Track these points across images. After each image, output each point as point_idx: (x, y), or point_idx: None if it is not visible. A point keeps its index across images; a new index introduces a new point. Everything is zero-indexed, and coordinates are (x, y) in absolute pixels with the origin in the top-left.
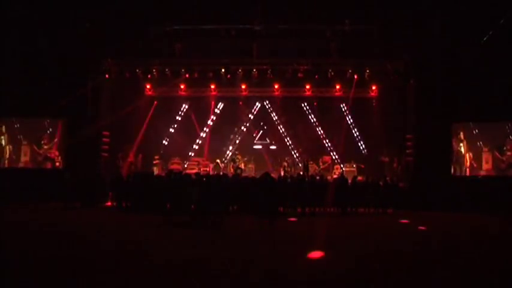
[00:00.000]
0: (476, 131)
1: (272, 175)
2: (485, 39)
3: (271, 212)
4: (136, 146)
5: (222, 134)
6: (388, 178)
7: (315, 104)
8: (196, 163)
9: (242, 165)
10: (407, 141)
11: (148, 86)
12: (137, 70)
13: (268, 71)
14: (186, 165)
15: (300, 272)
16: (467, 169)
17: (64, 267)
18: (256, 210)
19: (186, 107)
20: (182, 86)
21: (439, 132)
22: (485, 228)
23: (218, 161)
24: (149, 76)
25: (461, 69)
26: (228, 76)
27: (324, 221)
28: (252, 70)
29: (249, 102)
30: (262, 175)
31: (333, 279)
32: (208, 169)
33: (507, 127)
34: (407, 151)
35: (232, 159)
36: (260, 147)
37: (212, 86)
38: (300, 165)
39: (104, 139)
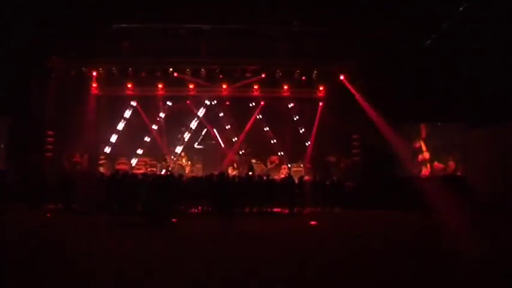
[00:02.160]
0: (423, 131)
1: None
2: (429, 42)
3: (224, 212)
4: (82, 146)
5: (169, 134)
6: (334, 178)
7: (263, 104)
8: (143, 163)
9: (185, 167)
10: (354, 142)
11: (94, 85)
12: (83, 68)
13: (217, 71)
14: (133, 165)
15: (251, 271)
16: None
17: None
18: (208, 209)
19: (133, 106)
20: (129, 85)
21: (386, 133)
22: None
23: (164, 162)
24: (96, 75)
25: (408, 71)
26: (176, 75)
27: (272, 220)
28: (201, 70)
29: (197, 102)
30: (215, 175)
31: (285, 279)
32: (155, 169)
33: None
34: (354, 151)
35: (164, 160)
36: (202, 147)
37: (160, 86)
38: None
39: (48, 139)
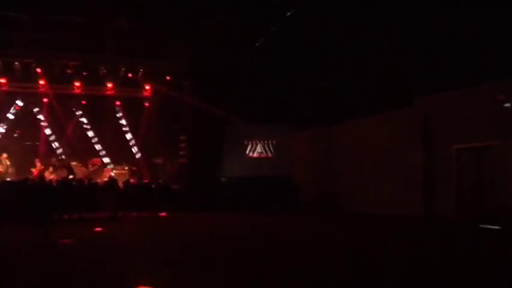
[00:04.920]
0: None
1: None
2: (257, 44)
3: (41, 220)
4: None
5: None
6: (161, 180)
7: (84, 102)
8: None
9: None
10: (180, 143)
11: None
12: None
13: (33, 65)
14: None
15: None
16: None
17: None
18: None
19: None
20: None
21: (213, 134)
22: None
23: None
24: None
25: (236, 73)
26: None
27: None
28: (14, 63)
29: (10, 99)
30: (31, 179)
31: None
32: None
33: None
34: (181, 153)
35: None
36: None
37: None
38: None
39: None
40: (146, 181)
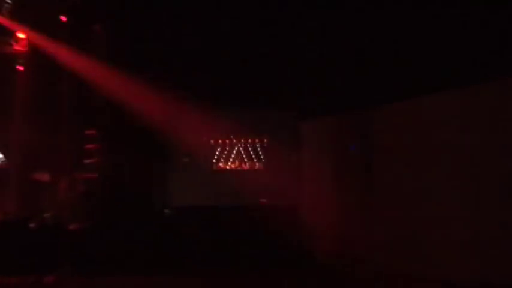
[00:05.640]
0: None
1: None
2: None
3: None
4: None
5: None
6: (48, 214)
7: None
8: None
9: None
10: (87, 142)
11: None
12: None
13: None
14: None
15: None
16: None
17: None
18: None
19: None
20: None
21: (148, 126)
22: None
23: None
24: None
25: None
26: None
27: None
28: None
29: None
30: None
31: None
32: None
33: None
34: (87, 161)
35: None
36: None
37: None
38: None
39: None
40: (18, 216)
